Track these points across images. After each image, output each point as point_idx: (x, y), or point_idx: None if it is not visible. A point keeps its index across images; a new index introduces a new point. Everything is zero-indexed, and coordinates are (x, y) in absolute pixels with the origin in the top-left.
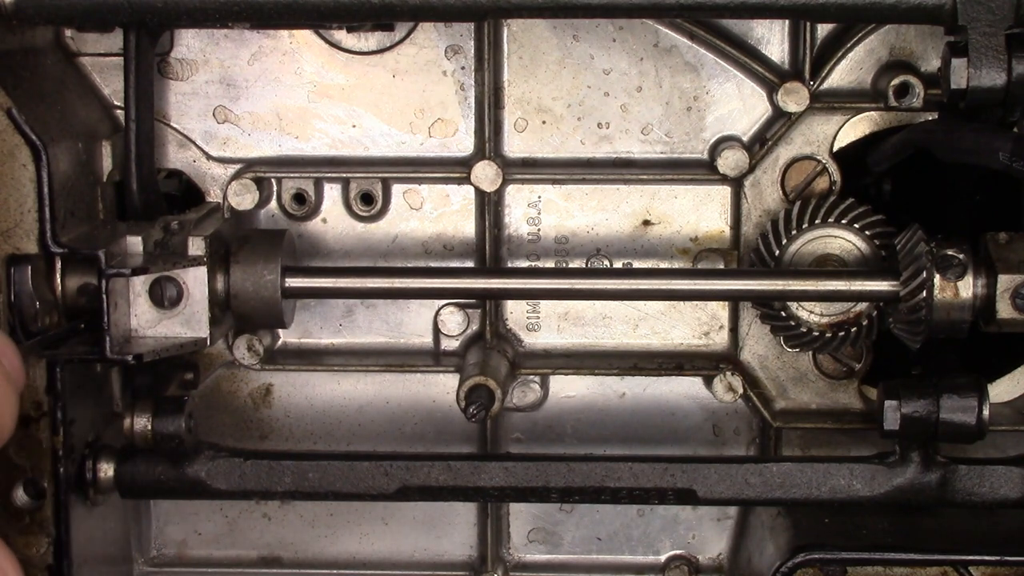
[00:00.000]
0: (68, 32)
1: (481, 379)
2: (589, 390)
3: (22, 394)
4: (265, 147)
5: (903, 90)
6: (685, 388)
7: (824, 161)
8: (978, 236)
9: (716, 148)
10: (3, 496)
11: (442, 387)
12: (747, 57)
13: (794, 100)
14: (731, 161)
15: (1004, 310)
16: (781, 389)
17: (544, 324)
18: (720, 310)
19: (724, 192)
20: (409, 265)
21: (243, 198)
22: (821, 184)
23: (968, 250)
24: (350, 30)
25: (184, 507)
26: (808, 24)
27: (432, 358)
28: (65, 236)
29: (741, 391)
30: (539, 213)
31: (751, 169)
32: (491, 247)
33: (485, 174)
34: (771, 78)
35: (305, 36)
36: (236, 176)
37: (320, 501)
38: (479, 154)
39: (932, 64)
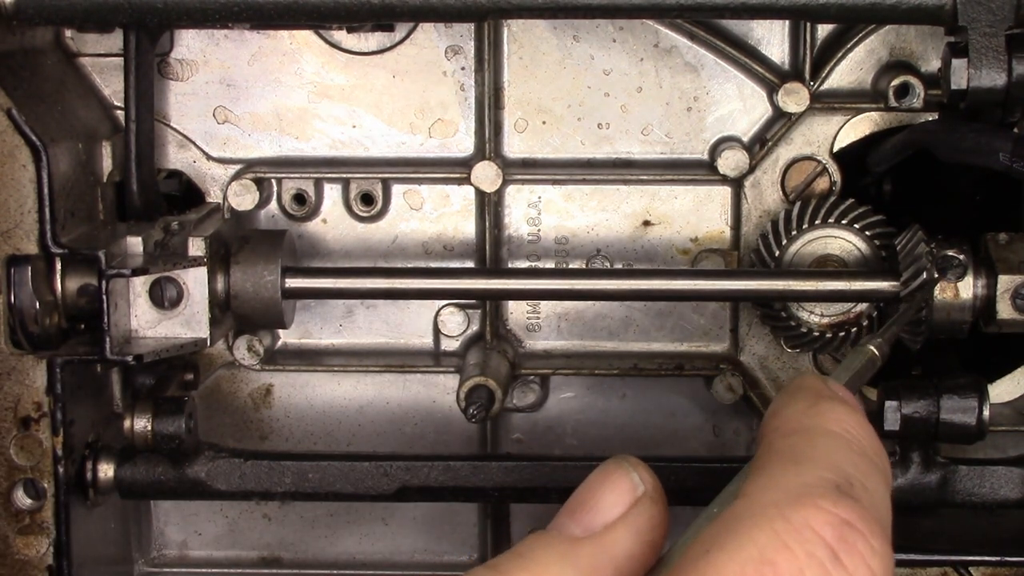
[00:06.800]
0: (68, 32)
1: (481, 379)
2: (589, 390)
3: (21, 395)
4: (265, 147)
5: (903, 90)
6: (685, 388)
7: (824, 161)
8: (978, 236)
9: (716, 148)
10: (3, 496)
11: (442, 388)
12: (747, 57)
13: (794, 100)
14: (731, 161)
15: (1004, 310)
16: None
17: (544, 324)
18: (720, 310)
19: (724, 192)
20: (409, 265)
21: (243, 198)
22: (821, 184)
23: (968, 250)
24: (350, 30)
25: (184, 508)
26: (808, 24)
27: (432, 358)
28: (65, 236)
29: (741, 391)
30: (539, 213)
31: (751, 169)
32: (491, 247)
33: (485, 174)
34: (771, 78)
35: (305, 36)
36: (236, 176)
37: (320, 501)
38: (479, 154)
39: (932, 64)
